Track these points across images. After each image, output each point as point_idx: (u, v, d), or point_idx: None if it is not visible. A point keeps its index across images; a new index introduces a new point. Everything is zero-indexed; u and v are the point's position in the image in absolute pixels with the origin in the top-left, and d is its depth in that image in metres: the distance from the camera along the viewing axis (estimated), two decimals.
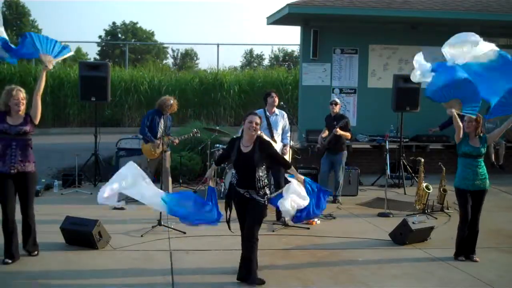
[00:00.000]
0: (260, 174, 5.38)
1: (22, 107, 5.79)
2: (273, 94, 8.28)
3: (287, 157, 8.10)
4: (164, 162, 8.64)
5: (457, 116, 6.21)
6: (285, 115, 8.34)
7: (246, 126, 5.39)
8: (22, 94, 5.80)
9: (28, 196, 5.85)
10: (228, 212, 5.59)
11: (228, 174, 9.26)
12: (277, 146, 8.01)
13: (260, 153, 5.38)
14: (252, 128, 5.36)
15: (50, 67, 5.96)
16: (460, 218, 6.43)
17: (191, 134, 9.64)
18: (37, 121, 5.89)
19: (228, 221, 5.59)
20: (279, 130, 8.26)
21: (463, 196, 6.35)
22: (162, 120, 8.97)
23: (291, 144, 8.50)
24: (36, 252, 6.00)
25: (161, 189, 7.83)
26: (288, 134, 8.36)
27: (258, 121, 5.43)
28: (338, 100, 9.52)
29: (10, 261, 5.71)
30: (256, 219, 5.40)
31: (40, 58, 5.96)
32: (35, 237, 5.99)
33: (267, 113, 8.28)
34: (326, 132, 9.31)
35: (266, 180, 5.47)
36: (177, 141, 9.13)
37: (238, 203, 5.51)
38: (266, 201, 5.45)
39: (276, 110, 8.30)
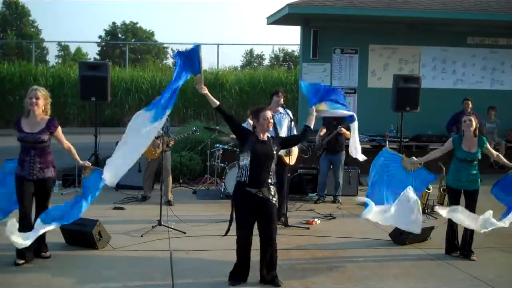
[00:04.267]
0: (274, 167, 5.34)
1: (36, 108, 5.68)
2: (280, 94, 8.18)
3: (293, 157, 8.04)
4: (164, 162, 8.65)
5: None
6: (290, 113, 8.20)
7: (262, 123, 5.31)
8: (37, 93, 5.71)
9: (44, 199, 5.84)
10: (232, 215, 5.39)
11: (229, 174, 9.25)
12: None
13: (274, 142, 5.39)
14: (269, 125, 5.32)
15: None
16: None
17: (190, 132, 9.66)
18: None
19: (230, 224, 5.41)
20: (284, 129, 8.10)
21: (453, 194, 6.51)
22: None
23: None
24: (48, 253, 5.98)
25: (161, 189, 7.88)
26: (295, 133, 8.22)
27: (271, 115, 5.41)
28: None
29: (22, 261, 5.67)
30: (274, 222, 5.32)
31: None
32: (45, 236, 5.96)
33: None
34: (323, 131, 9.30)
35: (275, 179, 5.39)
36: (172, 142, 9.10)
37: (248, 206, 5.25)
38: (275, 202, 5.34)
39: (280, 109, 8.15)
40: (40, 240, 5.90)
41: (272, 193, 5.31)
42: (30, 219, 5.75)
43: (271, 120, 5.38)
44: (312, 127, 5.78)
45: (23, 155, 5.73)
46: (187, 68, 5.71)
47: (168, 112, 5.81)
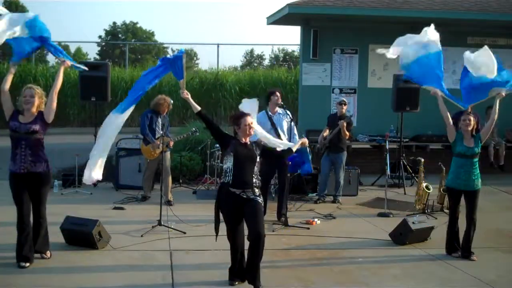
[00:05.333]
0: (257, 169, 5.32)
1: (30, 106, 5.64)
2: (277, 93, 8.17)
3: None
4: (164, 162, 8.64)
5: (441, 100, 6.56)
6: (289, 113, 8.17)
7: (243, 129, 5.30)
8: (32, 91, 5.68)
9: (40, 196, 5.76)
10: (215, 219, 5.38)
11: None
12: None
13: (256, 147, 5.39)
14: (250, 130, 5.31)
15: (68, 64, 5.88)
16: (450, 216, 6.59)
17: (190, 133, 9.64)
18: (49, 120, 5.73)
19: (217, 229, 5.35)
20: (284, 129, 8.06)
21: (454, 195, 6.50)
22: (159, 120, 8.96)
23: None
24: (48, 254, 5.93)
25: (161, 189, 7.88)
26: (295, 133, 8.10)
27: (252, 120, 5.39)
28: (347, 101, 9.54)
29: (27, 264, 5.63)
30: (260, 218, 5.23)
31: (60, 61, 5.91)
32: (47, 237, 5.93)
33: (269, 113, 8.13)
34: (327, 132, 9.31)
35: (259, 182, 5.35)
36: (172, 143, 9.08)
37: (231, 206, 5.24)
38: (262, 201, 5.32)
39: (279, 109, 8.12)
40: (42, 240, 5.88)
41: (257, 193, 5.26)
42: (28, 218, 5.72)
43: (253, 126, 5.38)
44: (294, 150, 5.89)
45: (14, 148, 5.66)
46: (163, 72, 6.03)
47: (132, 107, 6.20)
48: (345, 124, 9.03)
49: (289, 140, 7.77)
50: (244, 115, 5.43)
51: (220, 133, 5.51)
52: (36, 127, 5.68)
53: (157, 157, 8.80)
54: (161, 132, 8.81)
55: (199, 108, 5.65)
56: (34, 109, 5.71)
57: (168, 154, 9.07)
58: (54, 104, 5.76)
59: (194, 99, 5.85)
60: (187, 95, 5.74)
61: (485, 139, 6.56)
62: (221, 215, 5.36)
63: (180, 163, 10.58)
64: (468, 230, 6.38)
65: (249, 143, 5.36)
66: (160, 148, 8.41)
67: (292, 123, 7.90)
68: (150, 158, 8.99)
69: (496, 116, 6.48)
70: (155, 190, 9.07)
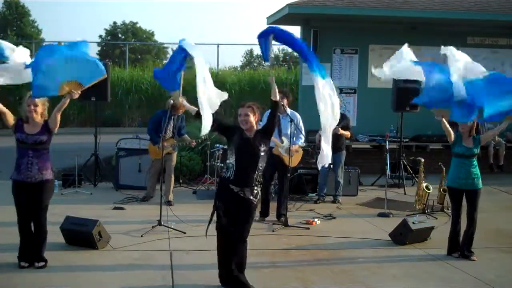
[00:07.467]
0: (260, 164, 5.17)
1: (35, 115, 5.58)
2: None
3: (294, 158, 7.98)
4: (169, 163, 8.62)
5: (445, 122, 6.41)
6: (298, 116, 8.12)
7: (239, 120, 5.25)
8: (34, 101, 5.56)
9: (41, 204, 5.65)
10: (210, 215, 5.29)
11: None
12: (284, 146, 7.94)
13: (260, 137, 5.22)
14: (243, 122, 5.21)
15: (76, 96, 5.64)
16: (452, 216, 6.60)
17: (199, 141, 9.45)
18: (54, 130, 5.69)
19: (209, 224, 5.28)
20: (288, 131, 8.03)
21: (455, 194, 6.50)
22: (171, 122, 8.72)
23: (302, 145, 8.39)
24: (41, 263, 5.68)
25: (161, 189, 7.88)
26: (301, 135, 8.10)
27: (248, 112, 5.23)
28: None
29: (26, 264, 5.61)
30: (249, 223, 5.21)
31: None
32: (42, 245, 5.70)
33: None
34: None
35: (261, 178, 5.25)
36: (194, 143, 9.00)
37: (227, 202, 5.15)
38: (256, 202, 5.23)
39: (289, 111, 8.05)
40: (36, 250, 5.70)
41: (254, 193, 5.17)
42: (30, 227, 5.67)
43: (245, 116, 5.20)
44: (276, 99, 5.59)
45: (20, 158, 5.59)
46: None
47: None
48: (341, 130, 9.00)
49: (291, 142, 7.76)
50: (242, 106, 5.30)
51: (225, 126, 5.34)
52: (44, 137, 5.62)
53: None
54: (170, 134, 8.73)
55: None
56: (38, 117, 5.63)
57: (174, 155, 9.01)
58: (57, 121, 5.68)
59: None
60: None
61: (484, 143, 6.61)
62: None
63: (180, 163, 10.57)
64: (468, 229, 6.39)
65: (253, 135, 5.20)
66: (166, 149, 8.33)
67: (299, 127, 7.92)
68: (155, 158, 8.92)
69: (498, 131, 6.60)
70: (156, 190, 9.06)
